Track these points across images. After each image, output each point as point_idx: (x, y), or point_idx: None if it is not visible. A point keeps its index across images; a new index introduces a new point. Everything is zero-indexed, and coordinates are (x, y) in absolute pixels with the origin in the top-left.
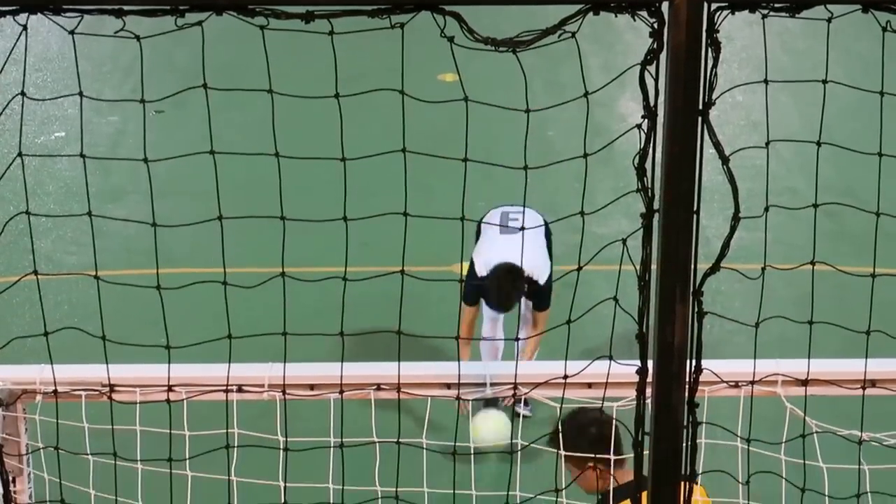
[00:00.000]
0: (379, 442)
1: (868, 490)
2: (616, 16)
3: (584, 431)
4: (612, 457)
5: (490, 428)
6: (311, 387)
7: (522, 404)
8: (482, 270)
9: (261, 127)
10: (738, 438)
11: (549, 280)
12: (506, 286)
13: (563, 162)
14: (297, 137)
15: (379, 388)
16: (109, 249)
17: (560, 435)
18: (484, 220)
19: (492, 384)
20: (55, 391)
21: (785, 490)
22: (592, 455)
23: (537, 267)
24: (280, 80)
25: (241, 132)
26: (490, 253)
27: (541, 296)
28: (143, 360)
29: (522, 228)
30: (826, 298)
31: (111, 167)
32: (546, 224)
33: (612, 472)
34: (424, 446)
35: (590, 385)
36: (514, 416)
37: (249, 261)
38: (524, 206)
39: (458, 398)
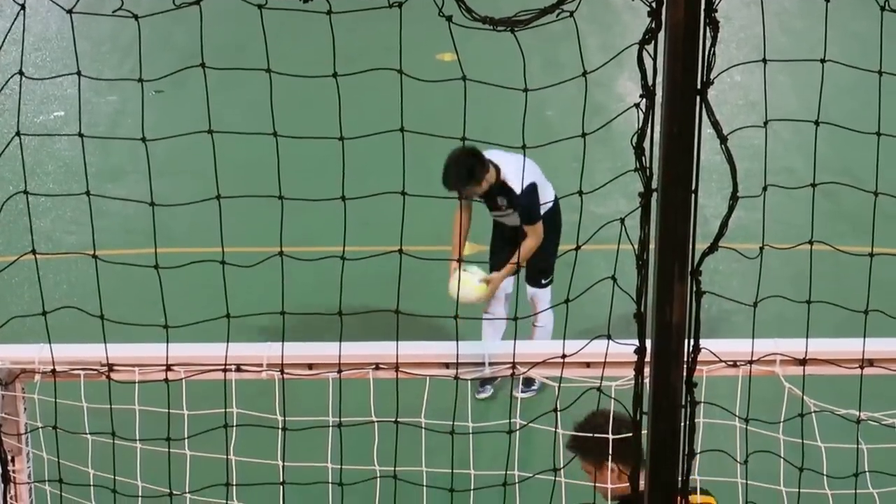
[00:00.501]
0: (377, 421)
1: (866, 469)
2: None
3: (600, 431)
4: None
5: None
6: (310, 366)
7: (521, 387)
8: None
9: (261, 106)
10: (737, 418)
11: (529, 195)
12: (456, 163)
13: (561, 141)
14: (297, 117)
15: (378, 367)
16: (109, 229)
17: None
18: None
19: (490, 363)
20: (53, 370)
21: (783, 469)
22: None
23: (513, 174)
24: (280, 60)
25: (242, 112)
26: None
27: (521, 211)
28: (143, 340)
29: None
30: (824, 278)
31: (111, 147)
32: (556, 201)
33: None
34: (423, 426)
35: (588, 364)
36: (511, 398)
37: (250, 240)
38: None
39: (455, 377)
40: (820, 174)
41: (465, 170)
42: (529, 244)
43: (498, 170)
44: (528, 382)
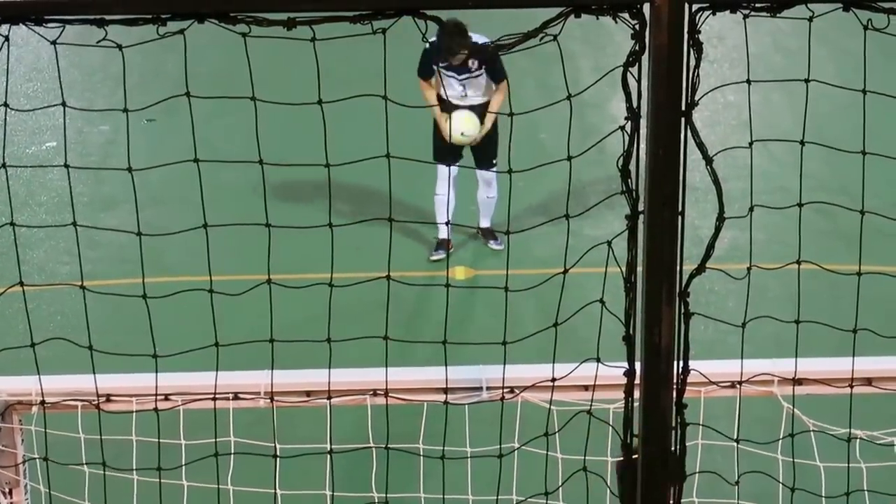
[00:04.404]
0: (371, 447)
1: (865, 488)
2: (598, 18)
3: None
4: None
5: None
6: (308, 393)
7: (491, 241)
8: (431, 38)
9: (260, 132)
10: (735, 439)
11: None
12: (451, 38)
13: (554, 164)
14: (294, 143)
15: (375, 393)
16: (103, 259)
17: None
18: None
19: (487, 388)
20: (42, 402)
21: (781, 490)
22: None
23: (480, 37)
24: (275, 86)
25: (237, 139)
26: (437, 40)
27: (492, 69)
28: (142, 369)
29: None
30: (820, 297)
31: (103, 176)
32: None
33: None
34: (421, 452)
35: (586, 387)
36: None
37: (244, 268)
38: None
39: (445, 402)
40: (817, 193)
41: (458, 37)
42: (501, 98)
43: (475, 44)
44: (496, 237)
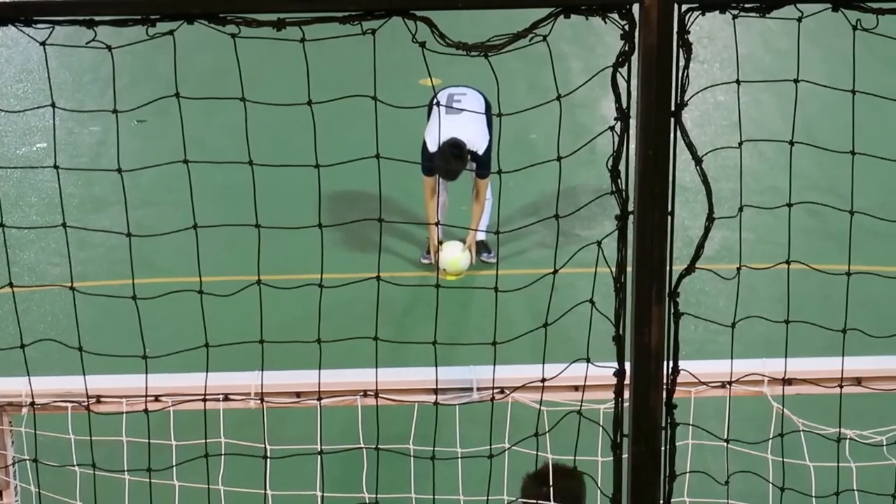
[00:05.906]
0: (361, 448)
1: (854, 488)
2: (587, 18)
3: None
4: None
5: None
6: (298, 394)
7: (484, 253)
8: (432, 147)
9: (251, 132)
10: (725, 438)
11: (488, 150)
12: (450, 160)
13: (545, 164)
14: (285, 142)
15: (365, 394)
16: (93, 260)
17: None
18: (434, 102)
19: (478, 389)
20: (32, 403)
21: (772, 489)
22: None
23: (476, 140)
24: (268, 85)
25: (227, 137)
26: (437, 132)
27: (480, 165)
28: (133, 370)
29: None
30: (810, 297)
31: (94, 177)
32: (486, 101)
33: None
34: (411, 452)
35: (576, 388)
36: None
37: (236, 269)
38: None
39: (435, 403)
40: (807, 193)
41: (457, 161)
42: (483, 199)
43: (471, 152)
44: (487, 248)
